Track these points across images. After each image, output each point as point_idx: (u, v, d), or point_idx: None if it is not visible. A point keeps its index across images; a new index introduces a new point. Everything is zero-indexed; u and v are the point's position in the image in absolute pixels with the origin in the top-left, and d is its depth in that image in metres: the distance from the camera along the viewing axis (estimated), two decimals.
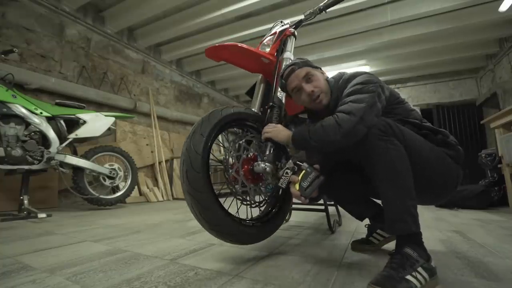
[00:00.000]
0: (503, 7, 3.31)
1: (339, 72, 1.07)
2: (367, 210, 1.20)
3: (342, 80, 0.99)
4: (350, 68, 5.05)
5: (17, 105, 2.17)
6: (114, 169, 2.85)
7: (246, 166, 1.01)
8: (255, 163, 1.00)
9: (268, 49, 1.27)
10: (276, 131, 1.01)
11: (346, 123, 0.80)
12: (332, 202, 1.60)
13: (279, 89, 1.14)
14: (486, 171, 3.11)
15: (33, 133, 2.26)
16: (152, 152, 4.22)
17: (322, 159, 1.06)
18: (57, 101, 2.57)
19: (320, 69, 1.07)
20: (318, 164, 0.98)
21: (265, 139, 1.03)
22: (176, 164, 4.45)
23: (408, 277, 0.69)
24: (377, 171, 0.80)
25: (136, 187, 3.37)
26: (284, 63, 1.21)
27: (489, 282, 0.78)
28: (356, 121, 0.80)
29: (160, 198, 3.86)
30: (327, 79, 1.06)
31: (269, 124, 1.06)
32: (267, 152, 1.04)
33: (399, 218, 0.76)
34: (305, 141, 0.89)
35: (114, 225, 1.76)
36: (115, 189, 2.95)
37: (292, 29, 1.36)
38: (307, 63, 1.04)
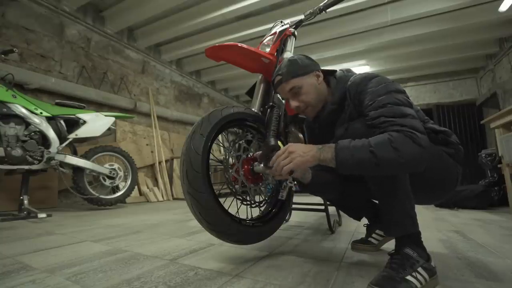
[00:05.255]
0: (503, 7, 3.31)
1: (342, 71, 1.00)
2: (365, 211, 1.21)
3: (352, 84, 0.89)
4: (350, 68, 5.04)
5: (17, 105, 2.17)
6: (114, 169, 2.85)
7: (246, 166, 1.01)
8: (255, 163, 1.00)
9: (268, 49, 1.27)
10: (299, 155, 0.76)
11: (425, 142, 0.69)
12: None
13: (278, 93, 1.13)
14: (486, 171, 3.11)
15: (33, 133, 2.26)
16: (152, 152, 4.22)
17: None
18: (57, 101, 2.57)
19: (317, 70, 0.97)
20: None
21: (289, 172, 0.79)
22: (176, 164, 4.45)
23: (408, 277, 0.69)
24: (375, 176, 0.79)
25: (136, 187, 3.37)
26: None
27: (489, 282, 0.78)
28: (428, 140, 0.72)
29: (160, 198, 3.86)
30: (327, 79, 1.00)
31: (278, 150, 0.81)
32: (284, 193, 0.90)
33: (397, 220, 0.76)
34: (361, 162, 0.69)
35: (114, 225, 1.76)
36: (115, 189, 2.95)
37: (292, 29, 1.36)
38: (295, 72, 0.93)
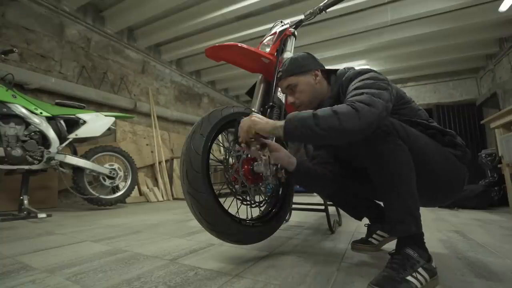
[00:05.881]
0: (503, 7, 3.31)
1: (344, 69, 1.01)
2: (366, 211, 1.20)
3: (346, 78, 0.92)
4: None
5: (17, 105, 2.17)
6: (114, 169, 2.85)
7: (246, 166, 1.01)
8: (255, 163, 1.00)
9: (268, 49, 1.27)
10: (257, 117, 0.85)
11: (367, 114, 0.70)
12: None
13: (279, 89, 1.14)
14: (486, 171, 3.10)
15: (33, 133, 2.26)
16: (152, 152, 4.22)
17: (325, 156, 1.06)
18: (57, 101, 2.57)
19: (316, 69, 1.01)
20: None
21: (261, 145, 0.92)
22: (176, 164, 4.44)
23: (409, 277, 0.69)
24: (379, 173, 0.79)
25: (136, 187, 3.37)
26: None
27: (489, 282, 0.78)
28: (378, 114, 0.72)
29: (160, 198, 3.86)
30: (327, 77, 1.02)
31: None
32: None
33: (401, 220, 0.75)
34: (305, 129, 0.72)
35: (114, 225, 1.76)
36: (115, 189, 2.94)
37: (292, 29, 1.36)
38: (292, 70, 1.00)
